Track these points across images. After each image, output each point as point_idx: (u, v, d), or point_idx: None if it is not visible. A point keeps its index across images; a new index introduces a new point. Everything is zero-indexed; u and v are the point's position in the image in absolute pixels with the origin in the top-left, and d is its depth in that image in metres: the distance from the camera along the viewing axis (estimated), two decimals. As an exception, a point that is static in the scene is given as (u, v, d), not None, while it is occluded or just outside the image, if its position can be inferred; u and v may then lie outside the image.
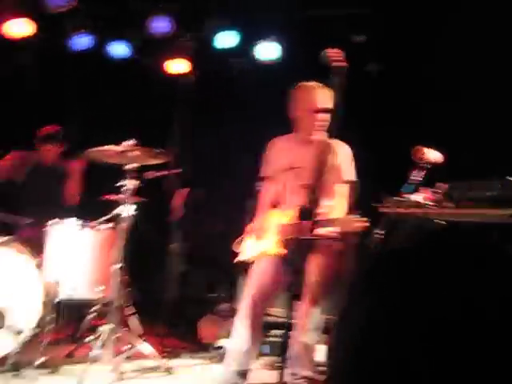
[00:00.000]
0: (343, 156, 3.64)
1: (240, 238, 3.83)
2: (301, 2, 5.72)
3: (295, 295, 2.30)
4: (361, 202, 4.87)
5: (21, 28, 5.58)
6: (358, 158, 5.39)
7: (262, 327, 3.66)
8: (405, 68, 5.43)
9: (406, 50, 5.47)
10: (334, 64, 2.51)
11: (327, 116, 3.45)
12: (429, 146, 4.01)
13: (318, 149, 3.44)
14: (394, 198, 3.97)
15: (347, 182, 3.65)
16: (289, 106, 3.69)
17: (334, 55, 2.59)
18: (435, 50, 5.13)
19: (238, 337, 3.57)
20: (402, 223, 3.95)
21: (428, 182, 3.88)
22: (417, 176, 3.97)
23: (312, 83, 3.56)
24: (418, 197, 3.79)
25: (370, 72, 5.96)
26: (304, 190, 3.42)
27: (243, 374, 3.56)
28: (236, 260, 3.78)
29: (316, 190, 3.39)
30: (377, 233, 4.37)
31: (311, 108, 3.51)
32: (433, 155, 4.02)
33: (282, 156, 3.74)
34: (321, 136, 3.56)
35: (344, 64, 2.49)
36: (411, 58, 5.38)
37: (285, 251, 3.39)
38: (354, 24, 5.78)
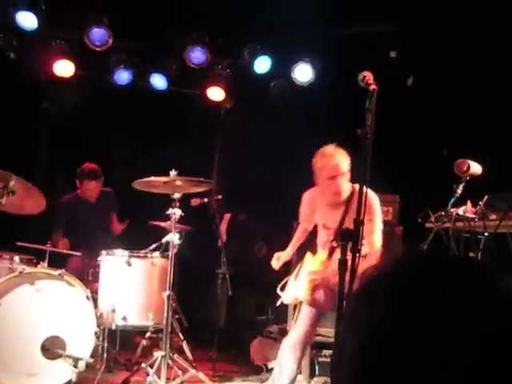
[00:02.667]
0: (374, 207, 3.63)
1: (284, 281, 3.91)
2: (329, 22, 5.79)
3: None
4: (407, 217, 4.87)
5: (65, 68, 5.82)
6: (402, 173, 5.43)
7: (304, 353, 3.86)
8: (440, 80, 5.42)
9: (439, 62, 5.47)
10: (370, 87, 2.55)
11: (346, 178, 3.55)
12: (469, 159, 4.00)
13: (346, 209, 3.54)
14: (440, 212, 3.96)
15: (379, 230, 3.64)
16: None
17: (369, 78, 2.64)
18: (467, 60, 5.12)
19: (282, 360, 3.68)
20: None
21: (467, 195, 3.86)
22: (459, 189, 3.95)
23: (327, 149, 3.58)
24: (460, 210, 3.77)
25: (407, 86, 5.96)
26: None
27: None
28: (278, 302, 3.88)
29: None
30: (423, 248, 4.36)
31: (327, 176, 3.57)
32: (476, 168, 4.00)
33: (317, 213, 3.83)
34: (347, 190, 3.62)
35: (375, 86, 2.53)
36: (445, 70, 5.37)
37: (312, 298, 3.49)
38: (384, 40, 5.81)
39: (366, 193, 2.45)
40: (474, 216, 3.80)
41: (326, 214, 3.75)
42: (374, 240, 3.55)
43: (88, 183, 5.31)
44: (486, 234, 3.74)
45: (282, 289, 3.89)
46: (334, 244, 3.53)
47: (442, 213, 3.90)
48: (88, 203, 5.42)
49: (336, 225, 3.61)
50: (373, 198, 3.61)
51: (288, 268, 4.09)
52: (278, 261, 3.87)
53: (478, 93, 5.07)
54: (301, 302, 3.80)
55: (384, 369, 0.67)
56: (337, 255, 3.57)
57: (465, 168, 3.93)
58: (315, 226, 3.93)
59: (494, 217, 3.70)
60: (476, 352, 0.65)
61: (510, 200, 3.56)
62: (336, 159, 3.55)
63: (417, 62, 5.80)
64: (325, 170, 3.55)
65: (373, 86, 2.54)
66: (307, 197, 3.88)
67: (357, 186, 3.56)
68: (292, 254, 4.01)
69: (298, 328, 3.71)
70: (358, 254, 2.34)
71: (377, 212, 3.62)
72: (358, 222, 2.34)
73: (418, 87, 5.84)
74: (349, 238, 2.33)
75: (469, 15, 5.06)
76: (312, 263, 3.71)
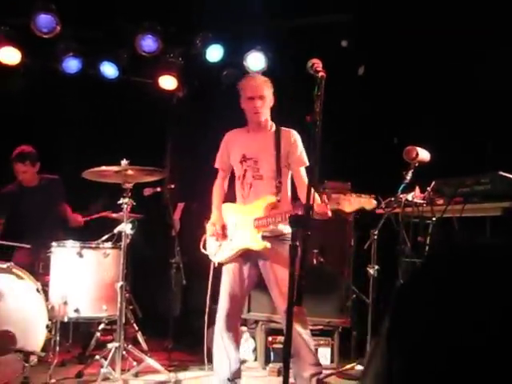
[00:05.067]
0: (297, 141, 3.67)
1: (203, 239, 3.86)
2: (284, 11, 5.80)
3: (295, 302, 2.33)
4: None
5: (10, 56, 5.66)
6: (352, 161, 5.50)
7: (239, 334, 3.88)
8: (389, 69, 5.51)
9: (389, 52, 5.56)
10: (318, 74, 2.58)
11: (261, 102, 3.61)
12: (418, 146, 4.10)
13: (270, 138, 3.59)
14: (390, 198, 4.05)
15: (306, 166, 3.63)
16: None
17: (317, 65, 2.66)
18: (415, 47, 5.23)
19: (218, 346, 3.68)
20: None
21: (415, 181, 3.96)
22: (409, 175, 4.05)
23: (251, 74, 3.70)
24: (409, 196, 3.86)
25: (358, 75, 6.04)
26: (266, 180, 3.53)
27: (234, 378, 3.65)
28: (214, 261, 3.79)
29: (279, 179, 3.51)
30: (374, 233, 4.46)
31: (247, 96, 3.64)
32: (424, 154, 4.10)
33: (235, 148, 3.79)
34: (268, 124, 3.70)
35: (324, 73, 2.56)
36: (395, 59, 5.47)
37: (268, 244, 3.45)
38: (337, 30, 5.86)
39: (314, 185, 2.46)
40: (422, 201, 3.90)
41: (247, 145, 3.71)
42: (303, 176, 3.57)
43: (18, 166, 5.12)
44: (433, 218, 3.85)
45: (205, 248, 3.83)
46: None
47: (392, 199, 3.99)
48: (31, 191, 5.23)
49: (256, 155, 3.61)
50: (292, 132, 3.68)
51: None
52: (216, 231, 3.74)
53: (427, 82, 5.18)
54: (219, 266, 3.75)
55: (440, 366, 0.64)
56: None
57: (414, 155, 4.03)
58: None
59: (441, 202, 3.81)
60: None
61: (456, 185, 3.66)
62: (257, 82, 3.67)
63: (368, 52, 5.89)
64: (245, 90, 3.65)
65: (321, 73, 2.57)
66: (226, 137, 3.86)
67: (286, 130, 3.64)
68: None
69: (220, 304, 3.67)
70: (306, 240, 2.36)
71: (299, 145, 3.65)
72: (308, 208, 2.37)
73: (369, 76, 5.93)
74: (299, 223, 2.36)
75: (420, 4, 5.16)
76: (251, 211, 3.60)
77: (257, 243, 3.52)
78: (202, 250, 3.84)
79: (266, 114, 3.68)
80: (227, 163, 3.83)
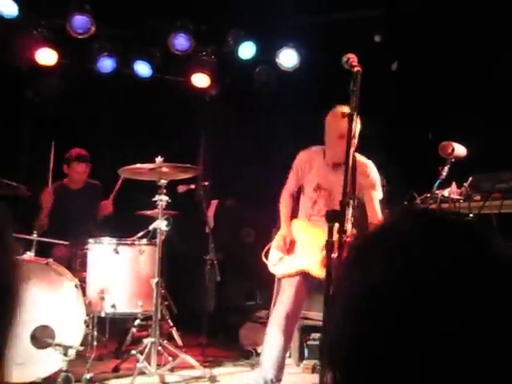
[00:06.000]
0: (372, 173, 3.68)
1: (267, 248, 3.89)
2: (315, 7, 5.78)
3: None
4: (393, 200, 4.90)
5: (47, 57, 5.77)
6: (387, 157, 5.45)
7: (291, 337, 3.85)
8: (424, 64, 5.44)
9: (423, 46, 5.49)
10: (354, 68, 2.56)
11: (354, 141, 3.53)
12: (454, 141, 4.03)
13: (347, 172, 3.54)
14: (426, 194, 3.99)
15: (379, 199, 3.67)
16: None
17: (353, 60, 2.64)
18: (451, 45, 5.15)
19: (271, 345, 3.66)
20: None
21: (452, 176, 3.90)
22: (445, 171, 3.98)
23: (340, 109, 3.51)
24: (445, 192, 3.80)
25: (392, 70, 5.98)
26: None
27: (278, 380, 3.64)
28: (271, 271, 3.84)
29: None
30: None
31: (337, 135, 3.55)
32: (461, 149, 4.03)
33: (310, 174, 3.78)
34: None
35: (360, 68, 2.54)
36: (428, 53, 5.40)
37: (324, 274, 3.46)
38: (370, 25, 5.81)
39: (352, 172, 2.45)
40: (459, 197, 3.83)
41: (324, 175, 3.70)
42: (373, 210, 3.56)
43: (77, 165, 5.32)
44: (471, 215, 3.78)
45: (266, 256, 3.85)
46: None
47: (428, 195, 3.93)
48: (74, 191, 5.43)
49: (331, 187, 3.59)
50: (369, 165, 3.63)
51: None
52: (285, 245, 3.76)
53: (461, 76, 5.10)
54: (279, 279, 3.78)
55: (384, 331, 0.66)
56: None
57: (449, 150, 3.96)
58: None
59: (478, 198, 3.74)
60: (477, 319, 0.65)
61: (494, 180, 3.59)
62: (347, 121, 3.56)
63: (401, 47, 5.82)
64: (334, 128, 3.54)
65: (357, 68, 2.55)
66: (305, 155, 3.83)
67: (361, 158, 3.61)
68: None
69: (281, 307, 3.68)
70: (343, 236, 2.35)
71: (375, 180, 3.64)
72: (344, 203, 2.36)
73: (402, 71, 5.86)
74: (335, 218, 2.35)
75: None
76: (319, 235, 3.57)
77: (320, 271, 3.47)
78: (263, 259, 3.86)
79: None
80: (299, 181, 3.85)
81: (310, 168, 3.78)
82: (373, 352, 0.67)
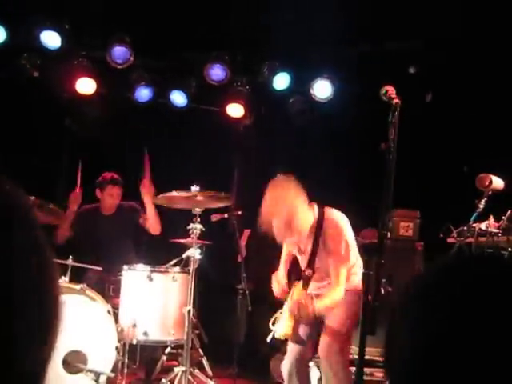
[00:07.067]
0: (331, 234, 3.58)
1: (275, 317, 3.85)
2: (350, 38, 5.83)
3: (368, 331, 2.30)
4: (428, 233, 4.84)
5: (87, 86, 5.92)
6: (423, 188, 5.40)
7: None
8: (459, 96, 5.42)
9: (458, 78, 5.48)
10: (393, 100, 2.56)
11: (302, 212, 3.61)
12: (492, 174, 3.98)
13: (308, 237, 3.58)
14: (463, 227, 3.93)
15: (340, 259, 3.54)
16: None
17: (391, 92, 2.64)
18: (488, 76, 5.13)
19: None
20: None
21: (489, 209, 3.84)
22: (482, 204, 3.93)
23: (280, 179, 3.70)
24: (483, 225, 3.74)
25: (426, 101, 5.97)
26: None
27: None
28: (269, 337, 3.80)
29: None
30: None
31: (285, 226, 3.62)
32: (498, 182, 3.98)
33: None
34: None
35: (398, 100, 2.54)
36: (464, 85, 5.38)
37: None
38: (405, 57, 5.83)
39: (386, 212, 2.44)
40: (497, 231, 3.76)
41: (299, 242, 3.74)
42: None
43: (111, 188, 5.23)
44: (509, 249, 3.70)
45: (274, 323, 3.81)
46: (308, 272, 3.55)
47: (465, 228, 3.87)
48: (106, 217, 5.35)
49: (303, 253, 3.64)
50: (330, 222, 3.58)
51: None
52: (278, 285, 3.83)
53: (497, 108, 5.05)
54: None
55: (448, 365, 0.68)
56: (313, 284, 3.58)
57: (487, 183, 3.91)
58: None
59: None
60: None
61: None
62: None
63: (436, 78, 5.81)
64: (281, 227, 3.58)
65: (396, 100, 2.55)
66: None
67: (327, 210, 3.58)
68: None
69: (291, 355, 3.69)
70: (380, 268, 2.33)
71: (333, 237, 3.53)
72: (381, 236, 2.34)
73: (437, 103, 5.84)
74: (372, 251, 2.33)
75: (489, 32, 5.07)
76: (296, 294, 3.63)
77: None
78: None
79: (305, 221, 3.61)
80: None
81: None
82: None
